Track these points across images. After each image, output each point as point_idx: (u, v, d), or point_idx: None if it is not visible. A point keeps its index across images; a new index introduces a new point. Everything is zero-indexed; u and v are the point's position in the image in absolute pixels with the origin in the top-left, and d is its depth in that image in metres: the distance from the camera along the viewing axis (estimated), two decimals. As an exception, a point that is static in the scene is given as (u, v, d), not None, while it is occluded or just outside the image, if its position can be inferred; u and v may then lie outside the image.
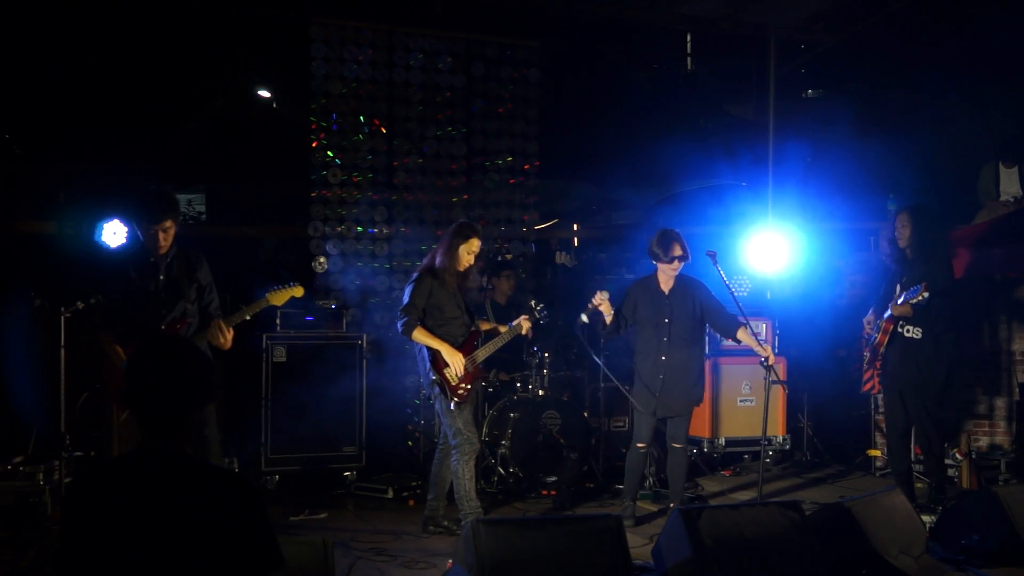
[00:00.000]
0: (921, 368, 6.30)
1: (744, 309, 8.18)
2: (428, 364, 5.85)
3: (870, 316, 6.64)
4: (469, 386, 5.87)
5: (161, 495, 2.46)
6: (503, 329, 6.15)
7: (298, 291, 5.52)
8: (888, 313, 6.37)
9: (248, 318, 5.37)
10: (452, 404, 5.80)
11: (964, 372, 8.01)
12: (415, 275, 5.98)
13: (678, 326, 6.20)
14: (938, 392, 6.41)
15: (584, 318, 6.20)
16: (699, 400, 6.44)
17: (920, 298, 6.03)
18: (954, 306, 6.42)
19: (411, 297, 5.84)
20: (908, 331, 6.33)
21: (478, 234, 5.98)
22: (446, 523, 5.96)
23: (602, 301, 6.09)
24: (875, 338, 6.48)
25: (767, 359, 6.06)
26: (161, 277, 5.23)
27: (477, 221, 8.71)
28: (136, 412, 2.57)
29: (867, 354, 6.61)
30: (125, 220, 6.72)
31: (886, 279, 6.65)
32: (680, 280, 6.28)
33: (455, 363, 5.78)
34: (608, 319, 6.15)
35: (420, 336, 5.81)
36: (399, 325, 5.86)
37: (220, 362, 5.36)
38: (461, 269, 5.93)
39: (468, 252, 5.91)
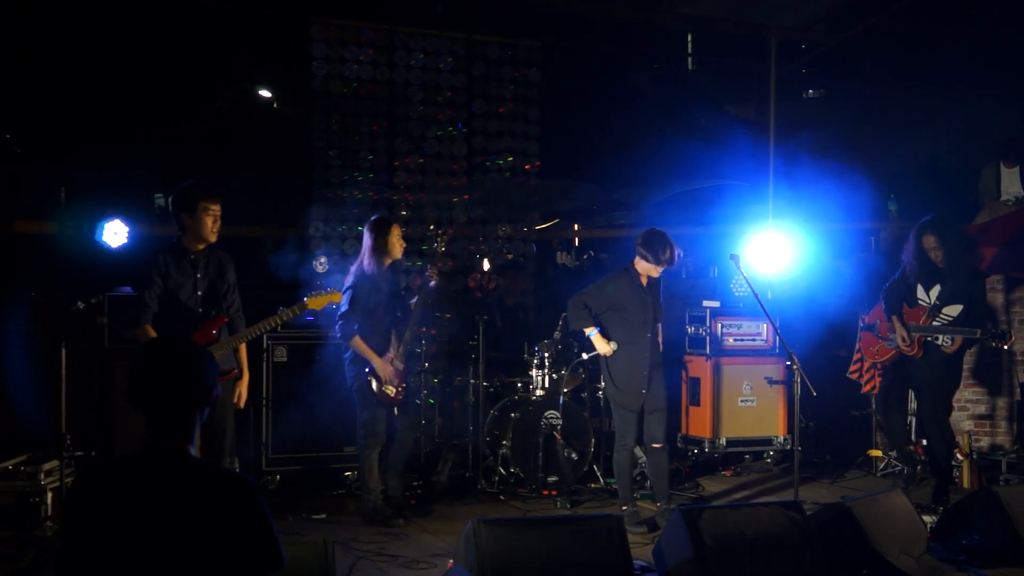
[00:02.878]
0: (950, 367, 6.71)
1: (745, 310, 8.18)
2: (349, 363, 6.15)
3: (899, 327, 6.77)
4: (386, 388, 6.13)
5: (163, 494, 2.46)
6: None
7: (336, 296, 5.70)
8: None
9: (286, 319, 5.45)
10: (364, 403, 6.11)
11: (964, 373, 8.00)
12: (348, 282, 6.13)
13: (655, 321, 6.24)
14: (952, 391, 6.86)
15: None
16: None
17: (994, 344, 6.52)
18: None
19: (349, 304, 6.05)
20: (940, 339, 6.63)
21: (394, 220, 6.27)
22: (381, 517, 6.09)
23: (611, 352, 6.18)
24: (895, 344, 6.79)
25: (793, 364, 6.02)
26: (199, 275, 5.26)
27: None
28: (141, 412, 2.57)
29: (883, 359, 6.96)
30: (126, 220, 6.72)
31: (901, 279, 6.88)
32: (649, 276, 6.28)
33: (386, 376, 6.09)
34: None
35: (356, 344, 6.09)
36: (337, 330, 6.15)
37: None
38: (400, 256, 6.21)
39: (396, 239, 6.13)
